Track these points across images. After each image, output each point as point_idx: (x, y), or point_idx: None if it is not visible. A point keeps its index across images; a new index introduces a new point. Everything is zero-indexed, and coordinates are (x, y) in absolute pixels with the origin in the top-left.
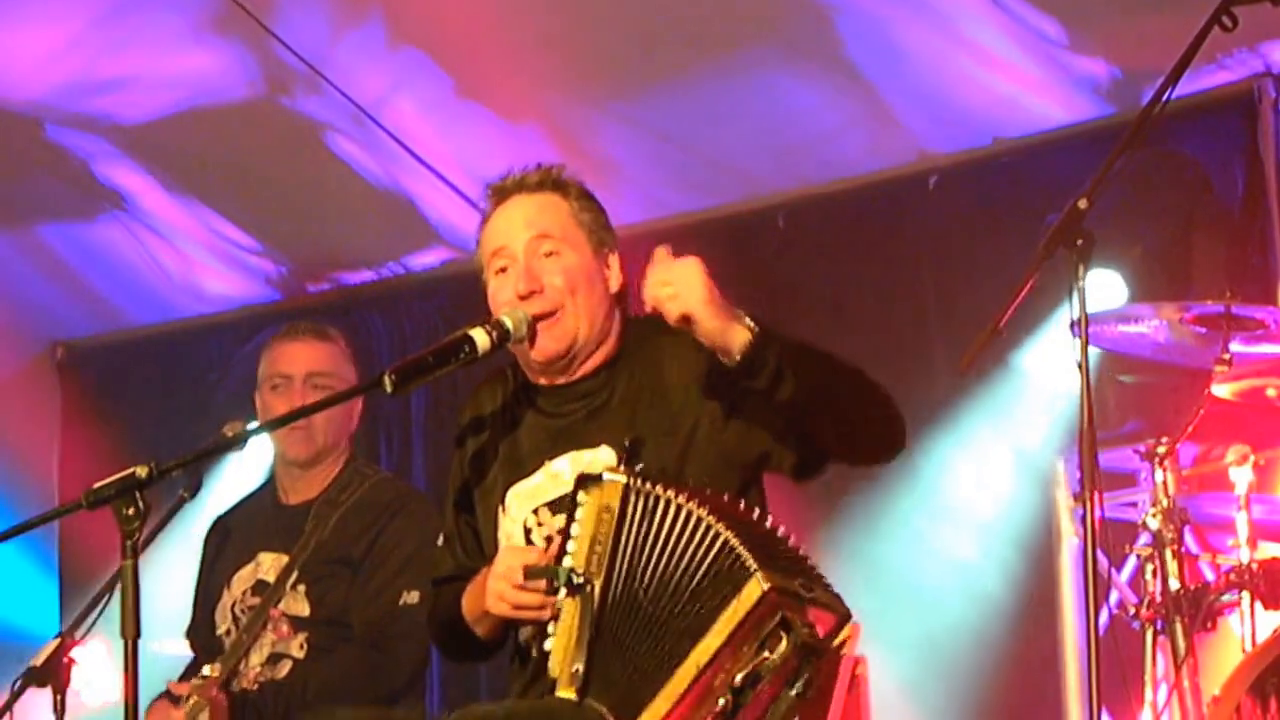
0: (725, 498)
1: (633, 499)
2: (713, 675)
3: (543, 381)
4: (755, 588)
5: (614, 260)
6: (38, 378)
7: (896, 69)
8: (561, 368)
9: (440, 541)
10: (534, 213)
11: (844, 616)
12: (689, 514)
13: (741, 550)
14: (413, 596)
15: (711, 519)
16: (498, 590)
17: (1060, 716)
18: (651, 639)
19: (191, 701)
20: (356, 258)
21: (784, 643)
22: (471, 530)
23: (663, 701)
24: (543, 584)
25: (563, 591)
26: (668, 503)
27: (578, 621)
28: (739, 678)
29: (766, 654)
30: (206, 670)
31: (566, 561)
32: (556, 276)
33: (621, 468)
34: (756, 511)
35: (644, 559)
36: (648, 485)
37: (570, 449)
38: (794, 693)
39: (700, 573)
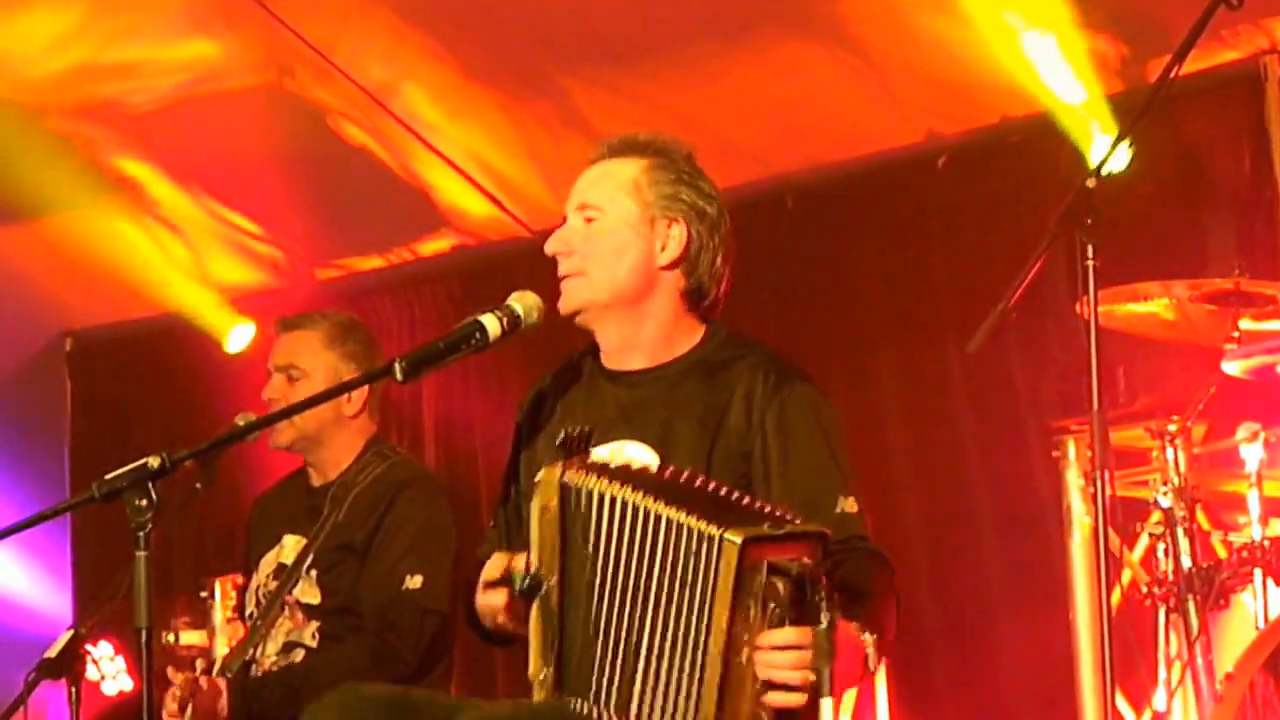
0: (668, 472)
1: (571, 497)
2: (736, 652)
3: (608, 366)
4: (731, 549)
5: (675, 229)
6: (47, 368)
7: (904, 48)
8: (614, 343)
9: (490, 524)
10: (592, 181)
11: (819, 535)
12: (625, 502)
13: (692, 521)
14: (415, 581)
15: (649, 501)
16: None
17: (1073, 696)
18: (640, 633)
19: (179, 696)
20: (366, 244)
21: (782, 586)
22: (519, 515)
23: (709, 700)
24: (503, 594)
25: (524, 596)
26: (602, 495)
27: (539, 625)
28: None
29: (773, 605)
30: (197, 664)
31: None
32: (587, 241)
33: (559, 464)
34: (695, 476)
35: (594, 554)
36: (581, 478)
37: (611, 439)
38: (824, 625)
39: (660, 561)
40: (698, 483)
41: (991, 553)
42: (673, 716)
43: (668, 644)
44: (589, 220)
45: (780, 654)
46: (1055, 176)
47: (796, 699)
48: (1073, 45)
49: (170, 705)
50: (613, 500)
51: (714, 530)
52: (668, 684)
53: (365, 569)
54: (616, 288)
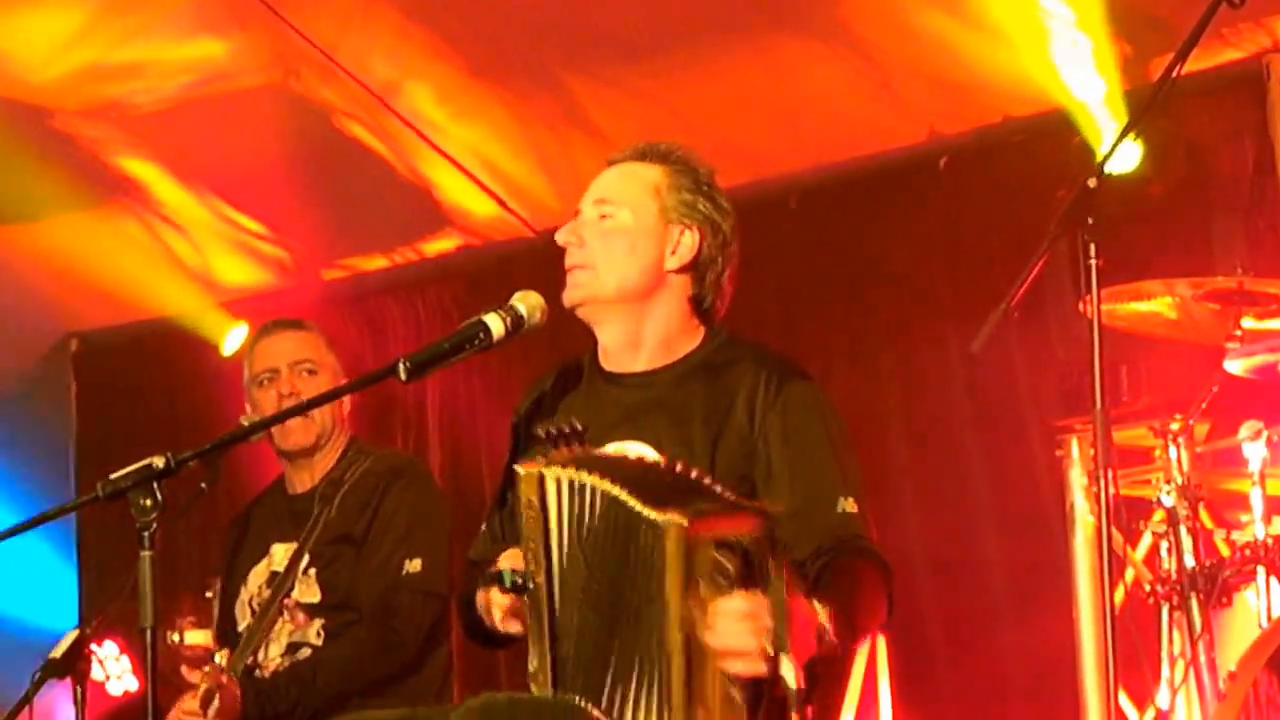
0: (642, 460)
1: (550, 488)
2: (694, 631)
3: (608, 368)
4: (675, 530)
5: (688, 236)
6: (53, 370)
7: (906, 48)
8: (616, 342)
9: (484, 525)
10: (613, 178)
11: (761, 510)
12: (590, 488)
13: (639, 506)
14: (415, 565)
15: (605, 483)
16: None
17: (1076, 695)
18: (612, 624)
19: (203, 689)
20: (371, 244)
21: (729, 560)
22: (511, 512)
23: (678, 684)
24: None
25: (511, 593)
26: (573, 483)
27: (531, 621)
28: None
29: (722, 579)
30: (218, 657)
31: (507, 563)
32: (600, 237)
33: (539, 459)
34: (670, 464)
35: (574, 547)
36: (558, 470)
37: (613, 440)
38: (776, 584)
39: (617, 543)
40: (664, 467)
41: (994, 552)
42: (645, 704)
43: (633, 633)
44: (604, 216)
45: (731, 621)
46: (1058, 175)
47: (755, 665)
48: (1083, 42)
49: (190, 703)
50: (580, 487)
51: (656, 514)
52: (636, 673)
53: (362, 558)
54: (623, 285)
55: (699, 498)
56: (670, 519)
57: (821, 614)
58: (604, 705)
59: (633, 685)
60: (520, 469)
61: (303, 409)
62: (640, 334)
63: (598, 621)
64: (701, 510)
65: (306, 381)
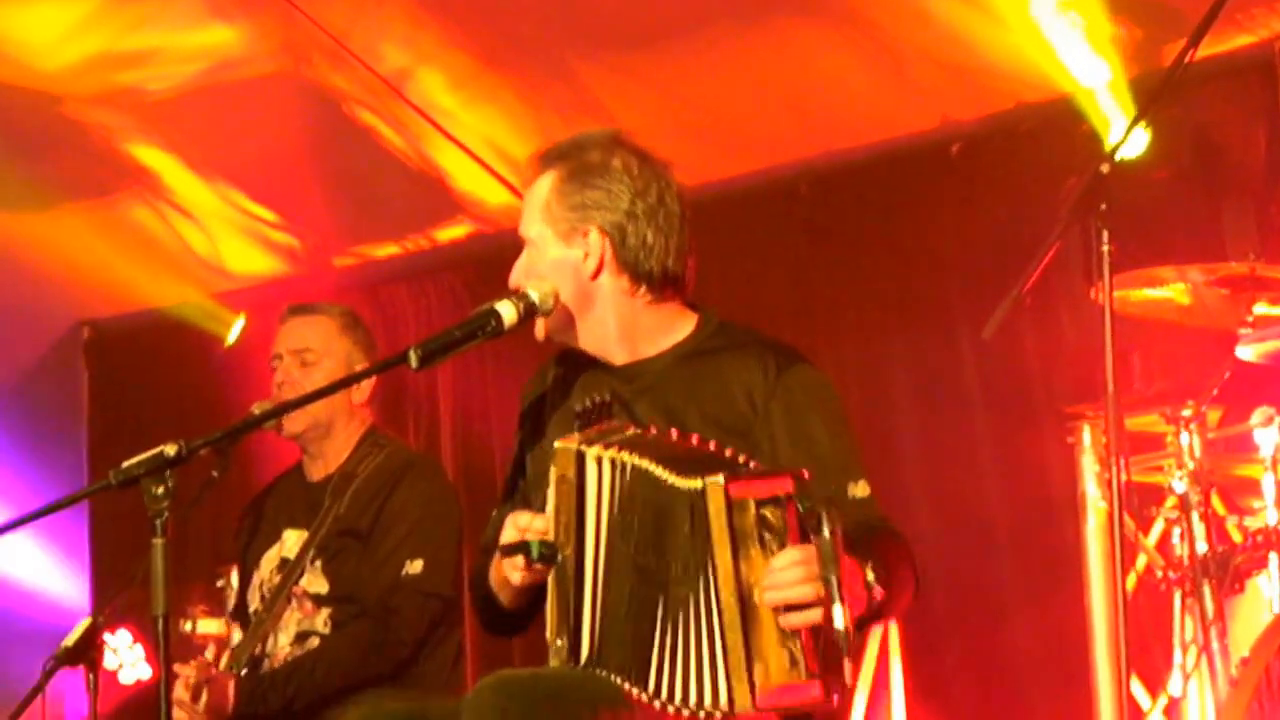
0: (675, 436)
1: (588, 464)
2: (749, 595)
3: (612, 360)
4: (715, 491)
5: (592, 235)
6: (64, 358)
7: (918, 34)
8: (594, 349)
9: (494, 512)
10: (525, 208)
11: (798, 473)
12: (628, 465)
13: (670, 476)
14: (415, 566)
15: (638, 459)
16: (497, 559)
17: (1089, 681)
18: (658, 599)
19: (193, 682)
20: (382, 231)
21: (774, 515)
22: (524, 500)
23: (735, 644)
24: (520, 558)
25: (538, 564)
26: (614, 461)
27: (555, 594)
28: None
29: (770, 537)
30: (208, 653)
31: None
32: (529, 275)
33: (576, 434)
34: (701, 441)
35: (613, 523)
36: (597, 448)
37: None
38: (826, 533)
39: (660, 518)
40: (700, 444)
41: (1006, 539)
42: (701, 677)
43: (683, 606)
44: (529, 252)
45: (785, 573)
46: (1070, 162)
47: (813, 615)
48: (1094, 28)
49: (181, 692)
50: (619, 465)
51: (696, 482)
52: (687, 642)
53: (365, 556)
54: (566, 310)
55: (737, 466)
56: (708, 481)
57: (866, 569)
58: (651, 679)
59: (685, 654)
60: (558, 444)
61: (306, 400)
62: (606, 339)
63: (641, 597)
64: (739, 471)
65: (299, 371)
